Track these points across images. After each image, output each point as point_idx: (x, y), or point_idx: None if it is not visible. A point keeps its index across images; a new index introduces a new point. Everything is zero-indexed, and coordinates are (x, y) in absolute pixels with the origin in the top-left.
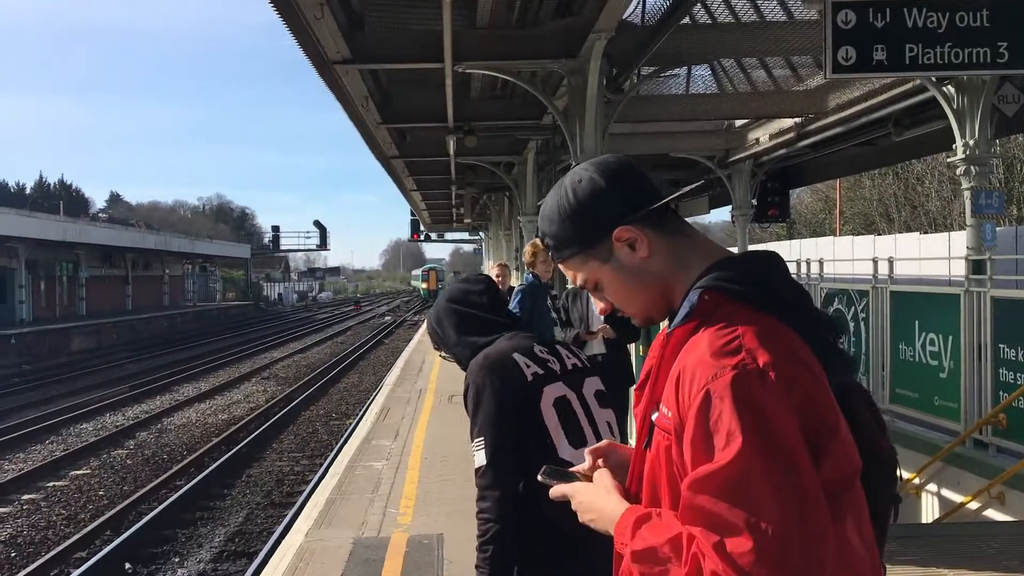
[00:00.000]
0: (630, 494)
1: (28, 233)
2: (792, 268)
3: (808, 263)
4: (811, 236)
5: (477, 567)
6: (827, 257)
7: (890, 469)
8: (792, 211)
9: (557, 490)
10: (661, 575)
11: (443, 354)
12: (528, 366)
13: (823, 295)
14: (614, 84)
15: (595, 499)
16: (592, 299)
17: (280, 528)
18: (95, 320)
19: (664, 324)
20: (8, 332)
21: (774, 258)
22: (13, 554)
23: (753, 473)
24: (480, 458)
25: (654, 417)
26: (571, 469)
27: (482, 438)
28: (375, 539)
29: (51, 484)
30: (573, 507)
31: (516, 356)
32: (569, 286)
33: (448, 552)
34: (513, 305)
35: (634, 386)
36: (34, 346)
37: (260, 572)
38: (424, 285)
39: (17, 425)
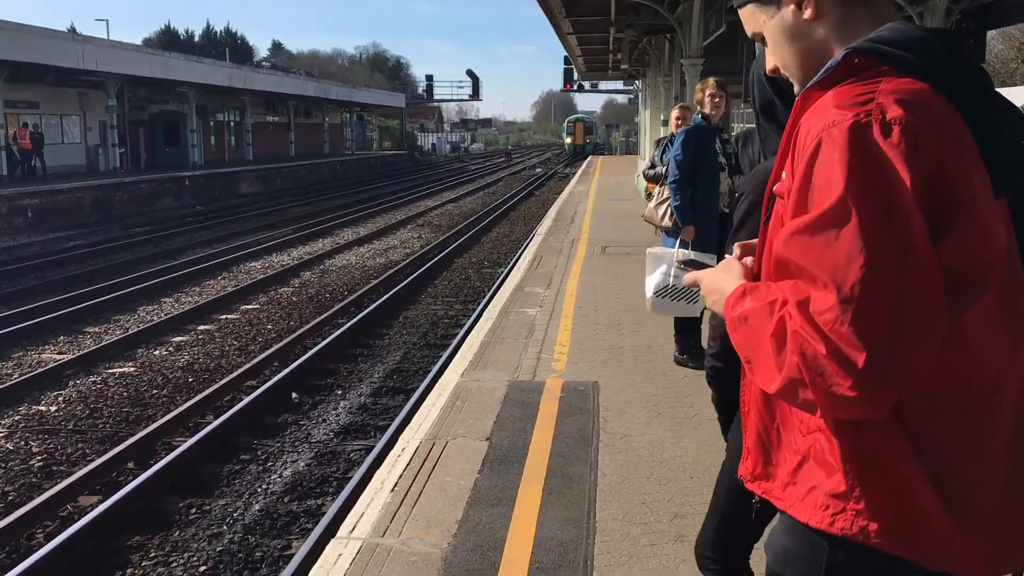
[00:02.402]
0: (756, 277)
1: (196, 78)
2: None
3: None
4: (999, 87)
5: (707, 376)
6: None
7: None
8: None
9: (690, 276)
10: (752, 340)
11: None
12: None
13: None
14: None
15: (718, 280)
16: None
17: (436, 368)
18: (261, 165)
19: None
20: (182, 174)
21: (962, 37)
22: (190, 379)
23: (849, 225)
24: None
25: (776, 187)
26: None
27: None
28: (530, 383)
29: (224, 316)
30: (702, 292)
31: None
32: (741, 128)
33: (604, 399)
34: (676, 148)
35: None
36: (206, 188)
37: (418, 407)
38: (569, 139)
39: (193, 261)
